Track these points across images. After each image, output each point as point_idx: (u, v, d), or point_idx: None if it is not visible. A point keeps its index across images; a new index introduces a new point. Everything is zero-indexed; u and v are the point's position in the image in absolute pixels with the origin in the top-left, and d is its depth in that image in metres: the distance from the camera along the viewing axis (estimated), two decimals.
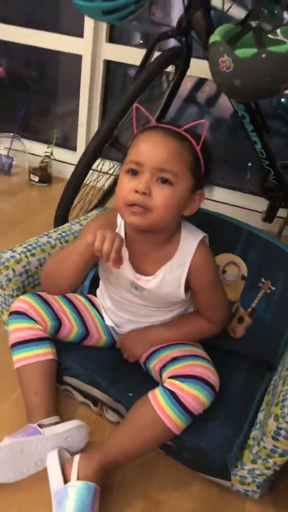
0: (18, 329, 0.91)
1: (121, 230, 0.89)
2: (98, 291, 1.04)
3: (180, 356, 0.88)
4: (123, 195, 0.80)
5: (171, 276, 0.87)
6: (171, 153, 0.78)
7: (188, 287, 0.89)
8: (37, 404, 0.86)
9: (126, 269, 0.87)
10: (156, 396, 0.82)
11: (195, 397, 0.80)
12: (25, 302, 0.93)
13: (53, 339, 0.95)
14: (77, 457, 0.77)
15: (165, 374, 0.86)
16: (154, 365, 0.91)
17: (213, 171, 0.86)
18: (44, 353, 0.90)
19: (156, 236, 0.85)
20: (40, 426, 0.83)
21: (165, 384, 0.83)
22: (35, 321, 0.92)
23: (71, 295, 1.01)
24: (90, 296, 1.04)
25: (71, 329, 0.96)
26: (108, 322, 0.99)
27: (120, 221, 0.89)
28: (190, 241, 0.88)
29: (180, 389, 0.80)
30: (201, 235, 0.90)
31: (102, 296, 1.00)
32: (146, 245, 0.87)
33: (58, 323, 0.94)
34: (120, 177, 0.82)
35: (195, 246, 0.88)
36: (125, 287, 0.91)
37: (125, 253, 0.86)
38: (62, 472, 0.76)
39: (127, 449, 0.80)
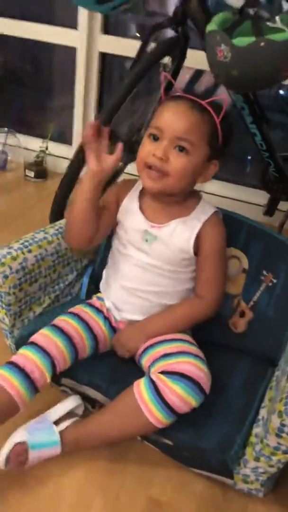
0: (27, 358, 0.84)
1: (136, 191, 0.96)
2: (101, 284, 1.03)
3: (170, 353, 0.86)
4: (143, 156, 0.86)
5: (183, 227, 0.91)
6: (191, 124, 0.84)
7: (196, 249, 0.91)
8: None
9: (139, 219, 0.92)
10: (139, 386, 0.81)
11: (178, 394, 0.78)
12: (54, 345, 0.87)
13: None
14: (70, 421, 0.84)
15: (154, 369, 0.84)
16: (145, 361, 0.90)
17: (230, 143, 0.91)
18: (19, 391, 0.81)
19: (171, 197, 0.91)
20: None
21: (151, 375, 0.82)
22: (53, 366, 0.85)
23: (84, 313, 0.97)
24: (93, 302, 1.02)
25: (83, 355, 0.93)
26: (108, 303, 0.98)
27: (137, 185, 0.96)
28: (208, 207, 0.94)
29: (163, 383, 0.79)
30: (216, 208, 0.95)
31: (106, 277, 1.01)
32: (161, 204, 0.92)
33: (74, 359, 0.91)
34: (143, 140, 0.88)
35: (212, 211, 0.93)
36: (135, 242, 0.93)
37: (136, 204, 0.94)
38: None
39: (105, 434, 0.83)
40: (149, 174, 0.85)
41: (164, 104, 0.88)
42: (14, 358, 0.86)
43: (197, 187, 0.93)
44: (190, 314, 0.93)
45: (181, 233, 0.90)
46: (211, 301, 0.93)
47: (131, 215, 0.93)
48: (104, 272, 1.04)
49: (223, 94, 0.88)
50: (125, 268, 0.95)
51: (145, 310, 0.95)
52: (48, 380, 0.86)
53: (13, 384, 0.81)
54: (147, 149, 0.86)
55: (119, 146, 0.87)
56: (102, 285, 1.03)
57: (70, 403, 0.89)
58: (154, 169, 0.84)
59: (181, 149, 0.84)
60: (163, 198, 0.91)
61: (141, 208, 0.93)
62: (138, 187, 0.96)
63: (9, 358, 1.03)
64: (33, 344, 0.87)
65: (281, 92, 1.91)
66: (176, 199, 0.91)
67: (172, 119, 0.84)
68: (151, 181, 0.86)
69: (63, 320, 0.93)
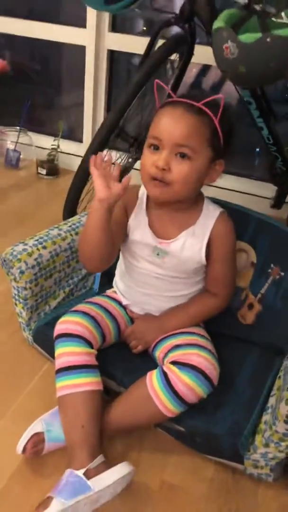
0: (70, 353, 0.85)
1: (142, 202, 0.93)
2: (114, 281, 1.05)
3: (181, 344, 0.89)
4: (145, 169, 0.84)
5: (193, 239, 0.90)
6: (189, 129, 0.81)
7: (208, 253, 0.91)
8: (83, 441, 0.79)
9: (147, 235, 0.91)
10: (152, 377, 0.84)
11: (188, 385, 0.81)
12: (79, 324, 0.88)
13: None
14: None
15: (166, 360, 0.87)
16: (159, 353, 0.93)
17: (233, 141, 0.88)
18: (96, 382, 0.85)
19: (178, 204, 0.89)
20: (87, 473, 0.76)
21: (163, 367, 0.85)
22: (89, 344, 0.87)
23: (103, 302, 0.99)
24: (110, 293, 1.04)
25: (109, 340, 0.96)
26: (125, 301, 1.00)
27: (141, 194, 0.93)
28: (213, 209, 0.92)
29: (175, 375, 0.82)
30: (222, 208, 0.94)
31: (121, 280, 1.01)
32: (168, 212, 0.91)
33: (103, 341, 0.93)
34: (144, 152, 0.86)
35: (218, 213, 0.92)
36: (147, 256, 0.92)
37: (144, 219, 0.91)
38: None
39: (119, 423, 0.85)
40: (154, 184, 0.83)
41: (160, 111, 0.85)
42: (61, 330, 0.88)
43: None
44: (204, 310, 0.96)
45: (192, 246, 0.90)
46: (224, 297, 0.96)
47: (139, 231, 0.91)
48: (117, 273, 1.04)
49: (224, 94, 0.85)
50: (139, 278, 0.96)
51: (162, 310, 0.97)
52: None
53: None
54: (149, 160, 0.83)
55: (127, 178, 0.82)
56: (116, 284, 1.04)
57: None
58: (158, 179, 0.82)
59: (183, 155, 0.81)
60: (170, 206, 0.89)
61: (149, 223, 0.91)
62: (143, 199, 0.93)
63: (26, 350, 1.08)
64: (62, 335, 0.88)
65: None
66: (183, 206, 0.90)
67: (169, 126, 0.81)
68: (157, 191, 0.83)
69: (83, 307, 0.94)
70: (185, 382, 0.81)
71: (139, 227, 0.92)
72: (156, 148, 0.83)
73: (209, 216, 0.91)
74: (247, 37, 1.01)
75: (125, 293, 1.00)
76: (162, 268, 0.92)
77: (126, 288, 1.00)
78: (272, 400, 0.85)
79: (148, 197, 0.93)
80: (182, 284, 0.95)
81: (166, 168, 0.81)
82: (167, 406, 0.82)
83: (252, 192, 1.85)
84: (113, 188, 0.81)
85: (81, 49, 1.92)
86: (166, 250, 0.90)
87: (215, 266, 0.93)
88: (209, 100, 0.83)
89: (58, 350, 0.87)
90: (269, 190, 1.70)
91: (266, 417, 0.83)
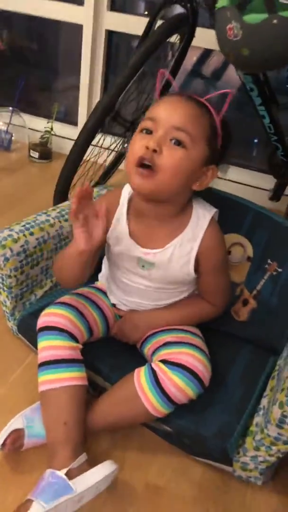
0: (53, 347, 0.81)
1: (123, 207, 0.86)
2: (100, 275, 1.01)
3: (173, 342, 0.84)
4: (132, 153, 0.76)
5: (180, 251, 0.84)
6: (190, 115, 0.76)
7: (197, 266, 0.86)
8: (65, 439, 0.76)
9: (130, 246, 0.85)
10: (140, 374, 0.80)
11: (177, 385, 0.77)
12: (63, 317, 0.84)
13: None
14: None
15: (155, 358, 0.83)
16: (148, 349, 0.89)
17: (229, 148, 0.83)
18: (80, 377, 0.81)
19: (164, 207, 0.82)
20: (69, 473, 0.72)
21: (152, 364, 0.81)
22: (74, 338, 0.83)
23: (91, 294, 0.95)
24: (101, 287, 0.99)
25: (97, 337, 0.92)
26: (113, 300, 0.96)
27: (123, 199, 0.86)
28: (203, 216, 0.85)
29: (163, 373, 0.78)
30: (213, 210, 0.87)
31: (108, 282, 0.97)
32: (154, 218, 0.84)
33: (90, 335, 0.89)
34: (133, 137, 0.79)
35: (208, 221, 0.84)
36: (132, 267, 0.87)
37: (125, 228, 0.85)
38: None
39: (104, 421, 0.82)
40: (140, 171, 0.75)
41: (160, 99, 0.80)
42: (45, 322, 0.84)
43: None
44: (199, 314, 0.92)
45: (179, 258, 0.84)
46: (221, 306, 0.93)
47: (121, 241, 0.85)
48: (103, 268, 0.99)
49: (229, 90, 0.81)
50: (125, 288, 0.91)
51: None
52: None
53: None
54: (139, 143, 0.75)
55: (102, 210, 0.77)
56: (101, 279, 1.00)
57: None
58: (145, 162, 0.74)
59: (177, 143, 0.74)
60: (156, 209, 0.81)
61: (130, 233, 0.84)
62: (123, 206, 0.86)
63: (10, 340, 1.04)
64: (45, 328, 0.84)
65: None
66: (171, 209, 0.82)
67: (169, 109, 0.76)
68: (141, 179, 0.75)
69: (69, 298, 0.90)
70: (175, 383, 0.77)
71: (120, 238, 0.86)
72: (149, 132, 0.77)
73: (198, 226, 0.84)
74: (252, 18, 0.96)
75: (111, 296, 0.96)
76: (149, 280, 0.87)
77: (112, 293, 0.95)
78: (264, 401, 0.82)
79: (129, 204, 0.86)
80: (170, 293, 0.90)
81: (157, 149, 0.73)
82: (155, 406, 0.78)
83: (250, 183, 1.80)
84: (95, 236, 0.77)
85: (79, 30, 1.84)
86: (152, 262, 0.85)
87: (207, 279, 0.88)
88: (212, 98, 0.79)
89: (41, 344, 0.83)
90: (267, 181, 1.65)
91: (257, 419, 0.80)
